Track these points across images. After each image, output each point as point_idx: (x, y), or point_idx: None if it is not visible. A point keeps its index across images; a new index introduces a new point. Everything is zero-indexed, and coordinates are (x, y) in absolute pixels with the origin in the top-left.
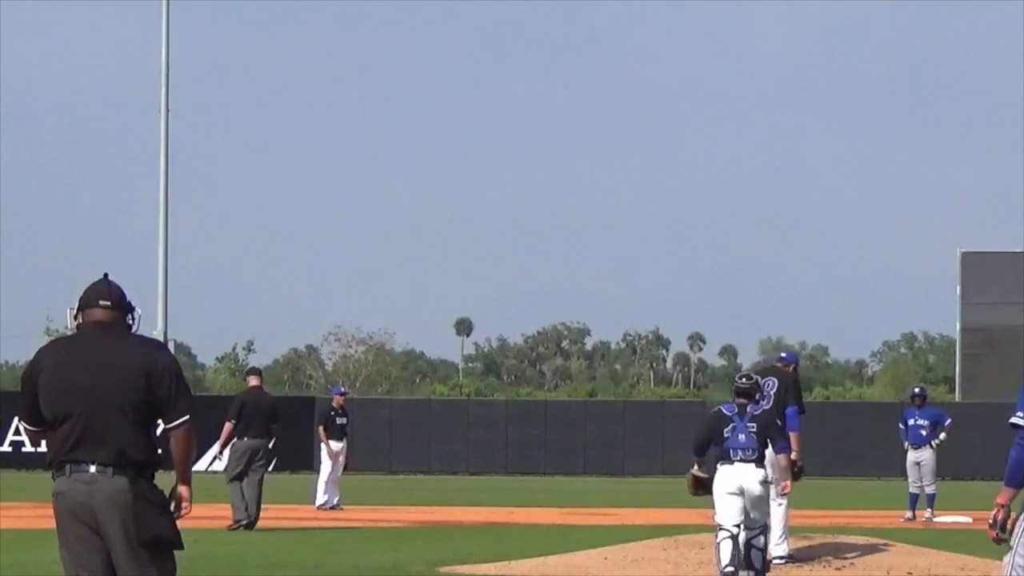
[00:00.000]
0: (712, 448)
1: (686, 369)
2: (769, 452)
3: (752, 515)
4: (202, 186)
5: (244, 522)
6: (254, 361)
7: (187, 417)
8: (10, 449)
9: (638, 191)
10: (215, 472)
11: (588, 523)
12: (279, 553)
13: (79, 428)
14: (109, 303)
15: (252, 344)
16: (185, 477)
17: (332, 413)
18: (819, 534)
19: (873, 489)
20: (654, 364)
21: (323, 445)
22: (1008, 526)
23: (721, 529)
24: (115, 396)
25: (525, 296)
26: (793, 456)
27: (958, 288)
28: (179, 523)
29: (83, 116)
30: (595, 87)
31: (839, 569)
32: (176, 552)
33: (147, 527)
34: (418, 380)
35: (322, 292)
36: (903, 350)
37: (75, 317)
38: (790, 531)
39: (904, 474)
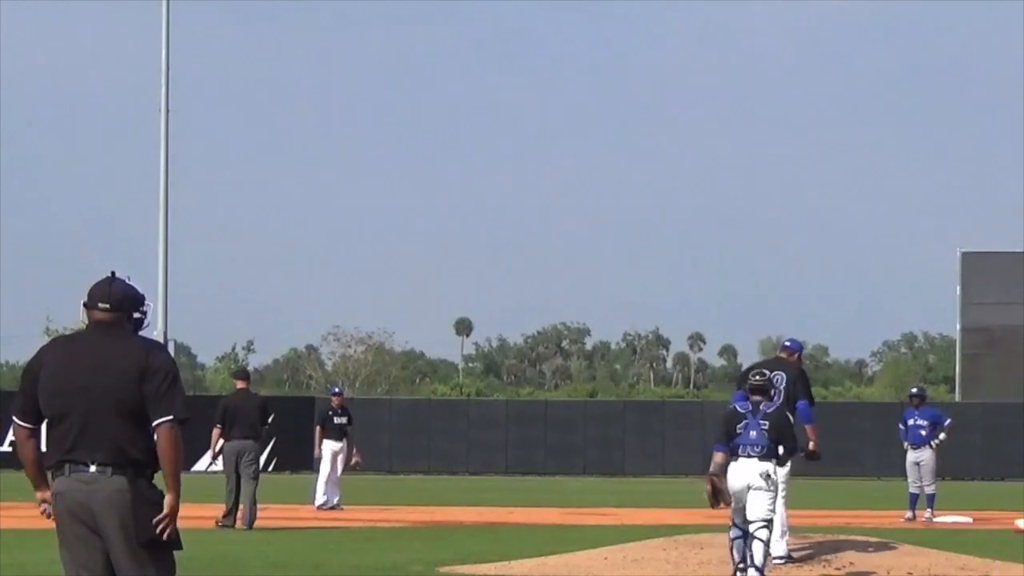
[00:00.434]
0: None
1: (686, 369)
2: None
3: (750, 506)
4: (202, 186)
5: (230, 526)
6: (254, 361)
7: (171, 417)
8: (10, 449)
9: (638, 191)
10: (215, 472)
11: (588, 523)
12: (279, 553)
13: (78, 428)
14: (108, 305)
15: (252, 344)
16: (171, 483)
17: (330, 413)
18: (819, 534)
19: (873, 489)
20: (654, 364)
21: (317, 446)
22: None
23: (733, 527)
24: (113, 396)
25: (525, 296)
26: (811, 447)
27: (958, 288)
28: (179, 524)
29: (83, 116)
30: (595, 87)
31: (839, 569)
32: (176, 552)
33: (146, 527)
34: (418, 380)
35: (322, 292)
36: (903, 350)
37: (86, 314)
38: (789, 530)
39: (904, 474)
